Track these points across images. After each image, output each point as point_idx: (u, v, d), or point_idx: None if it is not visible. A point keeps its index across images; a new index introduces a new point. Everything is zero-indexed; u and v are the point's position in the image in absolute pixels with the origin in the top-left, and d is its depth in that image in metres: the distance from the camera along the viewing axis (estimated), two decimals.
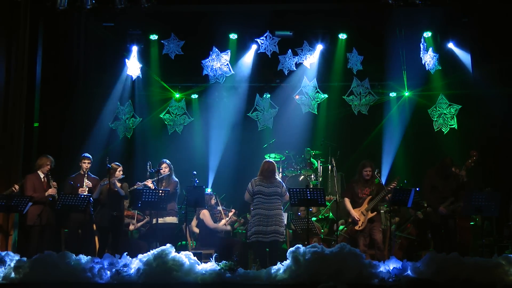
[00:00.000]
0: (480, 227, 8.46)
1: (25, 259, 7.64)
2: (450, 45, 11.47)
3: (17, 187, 9.10)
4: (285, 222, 9.18)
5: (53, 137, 10.81)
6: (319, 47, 11.71)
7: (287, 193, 8.74)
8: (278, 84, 12.61)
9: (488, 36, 10.67)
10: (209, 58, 11.44)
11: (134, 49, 11.75)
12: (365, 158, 9.69)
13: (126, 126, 11.88)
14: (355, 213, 9.08)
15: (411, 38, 11.36)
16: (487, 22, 10.49)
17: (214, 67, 11.47)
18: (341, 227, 10.28)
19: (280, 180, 9.12)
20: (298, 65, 11.45)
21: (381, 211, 9.77)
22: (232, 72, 11.59)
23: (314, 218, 10.82)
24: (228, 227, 10.22)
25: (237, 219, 10.61)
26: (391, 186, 9.03)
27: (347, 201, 9.23)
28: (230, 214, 10.35)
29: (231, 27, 11.64)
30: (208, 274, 7.30)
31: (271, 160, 9.47)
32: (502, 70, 10.45)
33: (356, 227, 9.09)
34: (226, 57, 11.51)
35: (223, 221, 10.10)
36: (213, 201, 10.31)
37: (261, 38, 11.30)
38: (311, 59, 11.50)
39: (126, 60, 11.63)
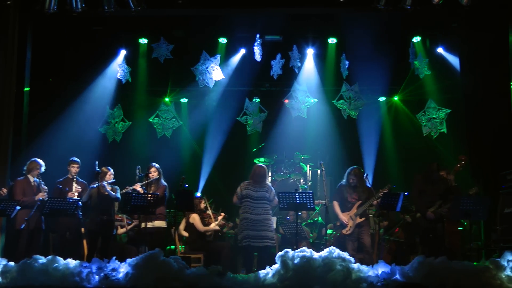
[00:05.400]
0: (468, 231, 8.48)
1: (12, 263, 7.57)
2: (439, 50, 11.52)
3: (5, 190, 9.04)
4: (274, 227, 9.17)
5: (41, 141, 10.76)
6: (309, 51, 11.72)
7: (276, 198, 8.74)
8: (267, 88, 12.62)
9: (477, 40, 10.72)
10: (199, 63, 11.43)
11: (123, 53, 11.73)
12: (354, 162, 9.70)
13: (115, 130, 11.84)
14: (343, 217, 9.10)
15: (401, 43, 11.40)
16: (476, 27, 10.54)
17: (204, 72, 11.45)
18: (329, 231, 10.29)
19: (270, 185, 9.12)
20: (287, 69, 11.44)
21: (370, 215, 9.78)
22: (222, 76, 11.58)
23: (304, 223, 10.82)
24: (217, 227, 10.20)
25: (225, 223, 10.60)
26: (381, 193, 9.02)
27: (335, 205, 9.24)
28: (220, 218, 10.34)
29: (220, 32, 11.64)
30: (197, 278, 7.28)
31: (262, 164, 9.46)
32: (491, 75, 10.49)
33: (344, 231, 9.10)
34: (215, 61, 11.50)
35: (213, 225, 10.08)
36: (202, 205, 10.29)
37: (253, 46, 11.27)
38: (301, 63, 11.50)
39: (116, 63, 11.61)
